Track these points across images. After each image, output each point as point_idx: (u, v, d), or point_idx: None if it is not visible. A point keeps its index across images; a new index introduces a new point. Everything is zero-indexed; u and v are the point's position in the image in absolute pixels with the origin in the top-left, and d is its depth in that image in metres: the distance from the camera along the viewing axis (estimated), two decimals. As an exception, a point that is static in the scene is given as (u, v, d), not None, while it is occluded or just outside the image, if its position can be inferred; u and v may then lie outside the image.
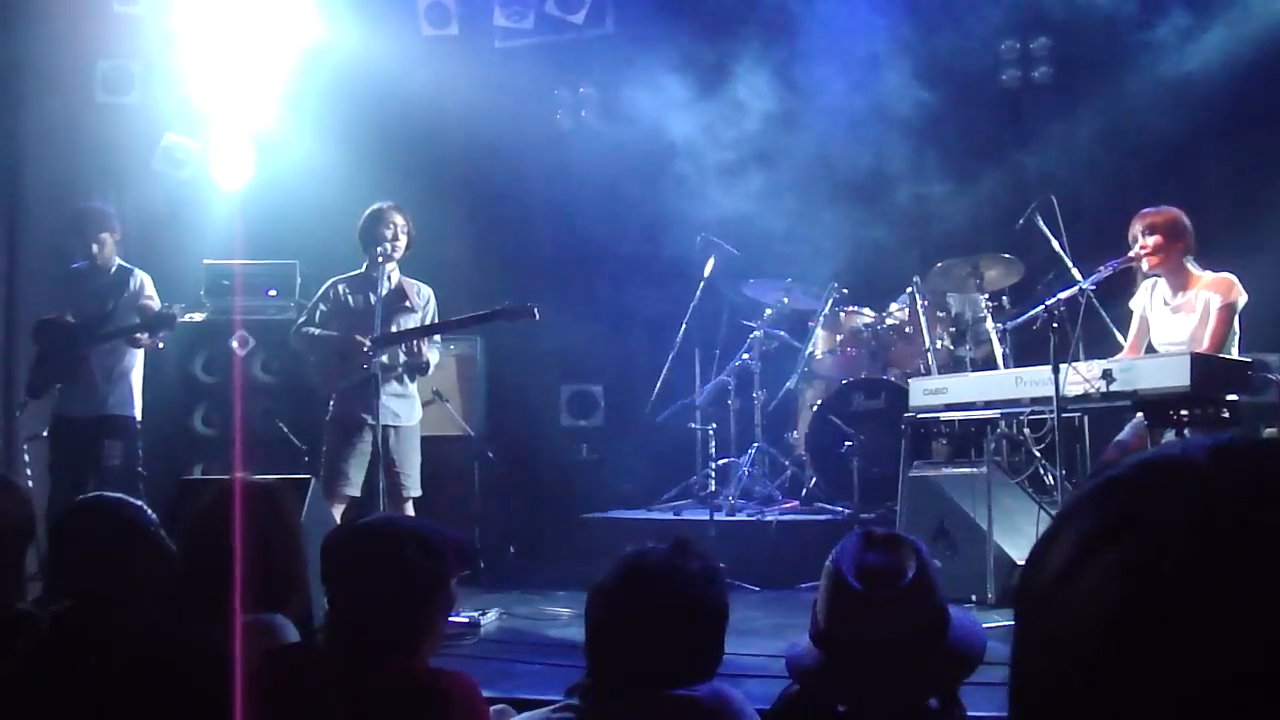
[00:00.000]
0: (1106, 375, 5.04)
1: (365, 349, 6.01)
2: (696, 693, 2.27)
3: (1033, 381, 5.35)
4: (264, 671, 2.52)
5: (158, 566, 2.95)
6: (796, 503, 7.61)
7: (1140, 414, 5.18)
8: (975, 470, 6.03)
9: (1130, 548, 0.68)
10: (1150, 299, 5.84)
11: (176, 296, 7.11)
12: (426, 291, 6.47)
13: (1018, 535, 5.70)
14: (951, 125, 8.55)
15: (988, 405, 5.64)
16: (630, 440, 8.68)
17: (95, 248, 6.96)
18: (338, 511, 5.96)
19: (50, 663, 2.59)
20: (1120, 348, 5.93)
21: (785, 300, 8.04)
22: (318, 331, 6.32)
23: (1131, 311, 5.95)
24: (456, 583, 2.68)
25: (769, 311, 8.05)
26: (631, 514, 7.93)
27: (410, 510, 6.14)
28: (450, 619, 2.84)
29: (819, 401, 7.58)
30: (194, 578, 2.89)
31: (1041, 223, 6.23)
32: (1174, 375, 4.85)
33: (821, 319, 7.83)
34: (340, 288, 6.38)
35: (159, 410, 7.65)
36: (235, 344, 8.08)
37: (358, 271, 6.38)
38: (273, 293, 8.37)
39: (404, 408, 6.30)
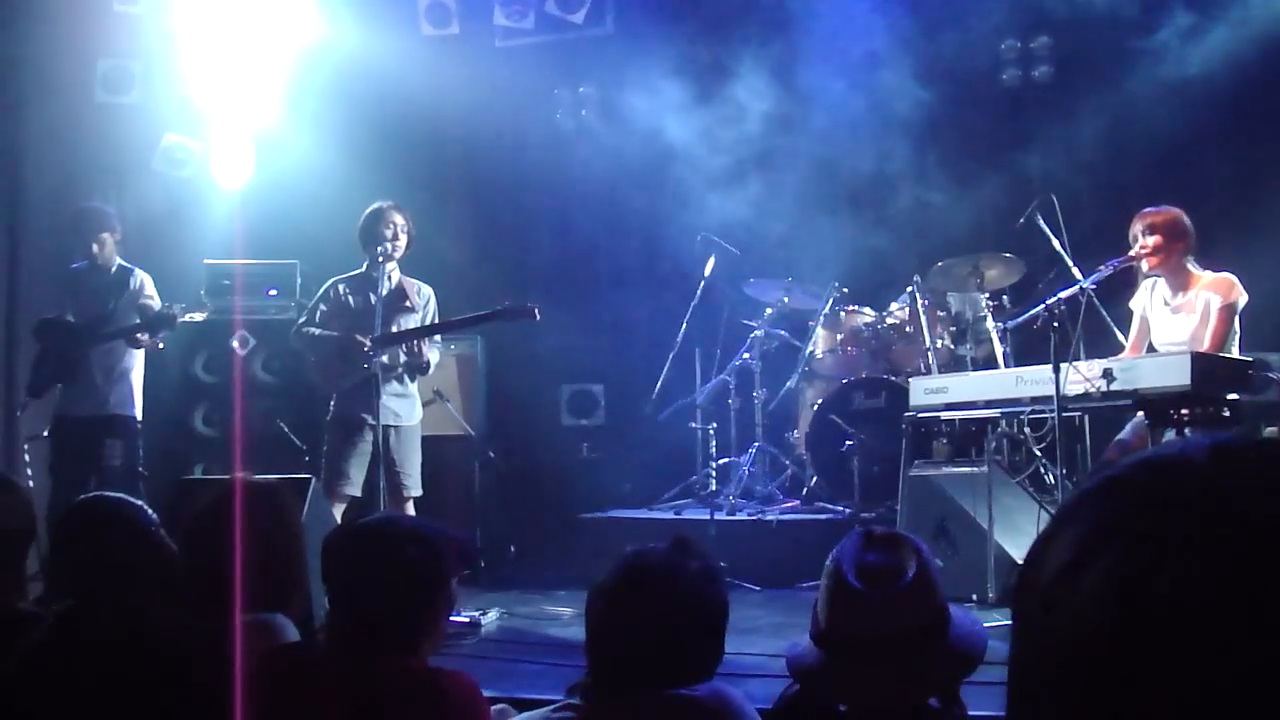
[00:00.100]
0: (1107, 374, 5.04)
1: (366, 349, 6.01)
2: (697, 692, 2.27)
3: (1033, 381, 5.35)
4: (264, 671, 2.52)
5: (158, 566, 2.95)
6: (797, 502, 7.61)
7: (1141, 413, 5.18)
8: (976, 469, 6.02)
9: (1130, 549, 0.67)
10: (1150, 299, 5.83)
11: (177, 296, 7.11)
12: (427, 291, 6.47)
13: (1018, 534, 5.70)
14: (952, 125, 8.55)
15: (988, 404, 5.64)
16: (631, 440, 8.68)
17: (95, 247, 6.96)
18: (338, 511, 5.96)
19: (51, 662, 2.59)
20: (1121, 347, 5.93)
21: (786, 299, 8.04)
22: (318, 331, 6.32)
23: (1132, 312, 5.95)
24: (457, 582, 2.68)
25: (769, 311, 8.05)
26: (632, 513, 7.93)
27: (411, 510, 6.14)
28: (451, 618, 2.84)
29: (819, 401, 7.58)
30: (195, 577, 2.89)
31: (1042, 222, 6.23)
32: (1175, 374, 4.84)
33: (822, 318, 7.83)
34: (340, 287, 6.38)
35: (160, 410, 7.66)
36: (236, 344, 8.09)
37: (358, 271, 6.38)
38: (273, 292, 8.38)
39: (404, 407, 6.30)
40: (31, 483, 6.93)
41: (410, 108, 8.58)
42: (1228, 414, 5.03)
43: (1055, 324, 5.15)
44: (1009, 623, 0.78)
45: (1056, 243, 6.20)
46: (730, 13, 8.90)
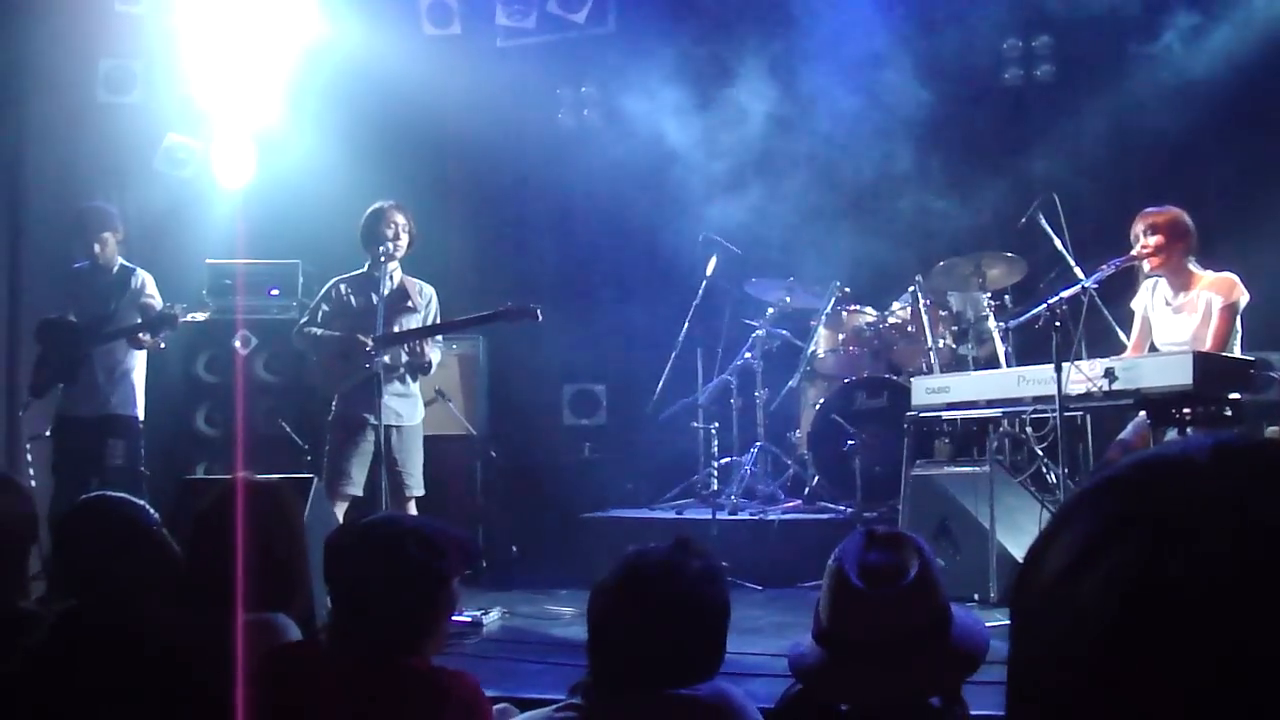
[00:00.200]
0: (1109, 374, 5.03)
1: (368, 349, 6.02)
2: (698, 692, 2.27)
3: (1035, 380, 5.34)
4: (266, 670, 2.53)
5: (160, 566, 2.96)
6: (799, 502, 7.61)
7: (1143, 413, 5.18)
8: (978, 469, 6.02)
9: (1132, 549, 0.67)
10: (1151, 299, 5.83)
11: (179, 296, 7.12)
12: (429, 291, 6.47)
13: (1020, 534, 5.70)
14: (954, 124, 8.54)
15: (990, 404, 5.63)
16: (632, 439, 8.68)
17: (97, 247, 6.97)
18: (340, 511, 5.96)
19: (54, 662, 2.59)
20: (1123, 347, 5.93)
21: (787, 299, 8.04)
22: (320, 331, 6.32)
23: (1133, 312, 5.94)
24: (459, 582, 2.68)
25: (771, 310, 8.05)
26: (634, 513, 7.92)
27: (413, 509, 6.14)
28: (453, 618, 2.84)
29: (821, 400, 7.58)
30: (197, 577, 2.90)
31: (1044, 221, 6.23)
32: (1177, 374, 4.84)
33: (824, 318, 7.83)
34: (342, 287, 6.38)
35: (162, 410, 7.66)
36: (238, 343, 8.09)
37: (360, 271, 6.38)
38: (275, 292, 8.38)
39: (406, 407, 6.30)
40: (34, 482, 6.93)
41: (412, 107, 8.58)
42: (1229, 413, 5.02)
43: (1057, 323, 5.15)
44: (1010, 613, 0.78)
45: (1058, 242, 6.20)
46: (732, 12, 8.90)
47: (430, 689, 2.47)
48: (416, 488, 6.26)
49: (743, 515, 7.38)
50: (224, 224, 8.23)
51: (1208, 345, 5.42)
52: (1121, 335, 6.03)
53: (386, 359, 6.07)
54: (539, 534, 8.15)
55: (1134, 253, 5.66)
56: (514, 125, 9.12)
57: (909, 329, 7.59)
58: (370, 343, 6.02)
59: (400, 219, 6.29)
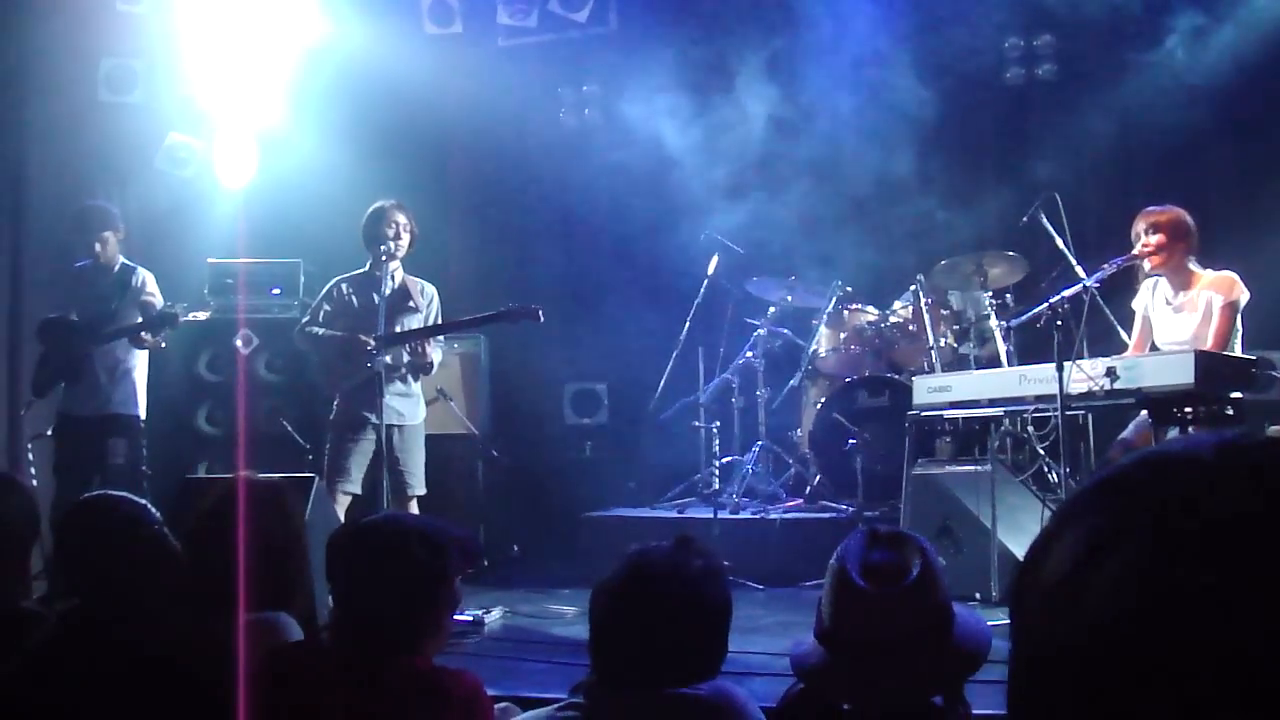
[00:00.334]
0: (1110, 373, 5.03)
1: (369, 348, 6.02)
2: (700, 691, 2.27)
3: (1037, 379, 5.34)
4: (268, 669, 2.53)
5: (162, 565, 2.96)
6: (800, 501, 7.61)
7: (1144, 412, 5.18)
8: (979, 468, 6.02)
9: (1139, 549, 0.67)
10: (1152, 299, 5.83)
11: (180, 295, 7.12)
12: (430, 290, 6.48)
13: (1022, 533, 5.69)
14: (955, 123, 8.54)
15: (992, 403, 5.63)
16: (634, 438, 8.68)
17: (98, 246, 6.96)
18: (341, 509, 5.97)
19: (55, 661, 2.59)
20: (1124, 346, 5.92)
21: (789, 298, 8.04)
22: (322, 331, 6.32)
23: (1134, 311, 5.94)
24: (460, 581, 2.68)
25: (773, 309, 8.05)
26: (635, 512, 7.92)
27: (414, 509, 6.15)
28: (454, 617, 2.84)
29: (823, 399, 7.58)
30: (198, 576, 2.90)
31: (1045, 220, 6.23)
32: (1178, 373, 4.84)
33: (825, 317, 7.83)
34: (344, 287, 6.38)
35: (163, 409, 7.66)
36: (239, 342, 8.09)
37: (361, 270, 6.38)
38: (276, 291, 8.38)
39: (408, 407, 6.30)
40: (35, 482, 6.94)
41: (413, 106, 8.59)
42: (1231, 412, 5.02)
43: (1058, 322, 5.15)
44: (1009, 614, 0.77)
45: (1060, 241, 6.20)
46: (733, 12, 8.89)
47: (432, 688, 2.47)
48: (418, 487, 6.26)
49: (744, 514, 7.38)
50: (225, 223, 8.23)
51: (1209, 344, 5.42)
52: (1123, 334, 6.03)
53: (388, 359, 6.07)
54: (540, 533, 8.15)
55: (1135, 252, 5.65)
56: (515, 124, 9.13)
57: (910, 328, 7.59)
58: (372, 342, 6.02)
59: (401, 218, 6.29)
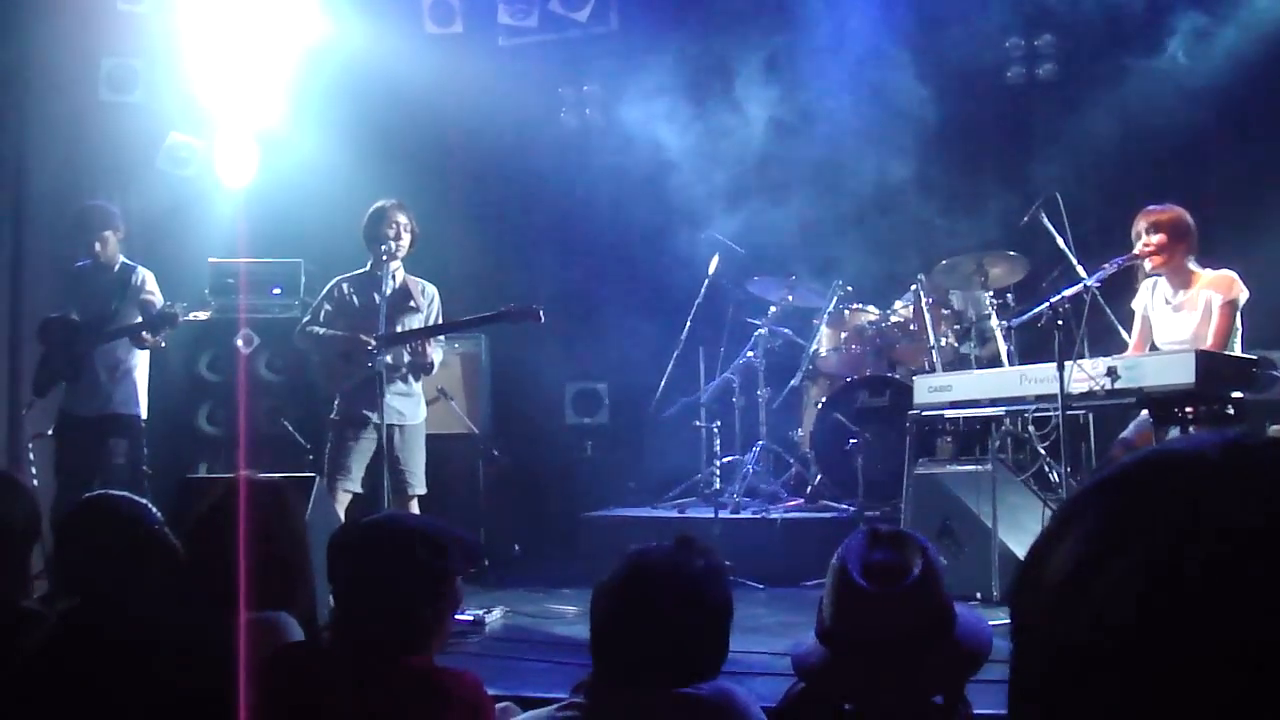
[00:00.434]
0: (1111, 373, 5.03)
1: (370, 348, 6.02)
2: (701, 690, 2.27)
3: (1037, 379, 5.34)
4: (269, 669, 2.53)
5: (163, 565, 2.96)
6: (801, 500, 7.61)
7: (1145, 411, 5.17)
8: (980, 468, 6.02)
9: (1145, 550, 0.66)
10: (1151, 298, 5.83)
11: (181, 295, 7.12)
12: (431, 290, 6.48)
13: (1022, 533, 5.69)
14: (956, 123, 8.53)
15: (992, 403, 5.63)
16: (635, 438, 8.68)
17: (98, 246, 6.96)
18: (340, 506, 5.97)
19: (56, 661, 2.59)
20: (1125, 345, 5.92)
21: (790, 298, 8.04)
22: (322, 331, 6.32)
23: (1133, 311, 5.94)
24: (461, 581, 2.68)
25: (773, 309, 8.05)
26: (636, 512, 7.93)
27: (415, 508, 6.15)
28: (455, 617, 2.84)
29: (824, 399, 7.58)
30: (199, 576, 2.90)
31: (1046, 220, 6.23)
32: (1179, 372, 4.84)
33: (826, 316, 7.83)
34: (345, 286, 6.39)
35: (164, 409, 7.66)
36: (240, 342, 8.09)
37: (362, 270, 6.38)
38: (277, 291, 8.38)
39: (409, 406, 6.31)
40: (36, 481, 6.94)
41: (414, 106, 8.59)
42: (1232, 412, 5.02)
43: (1059, 322, 5.15)
44: (1009, 616, 0.77)
45: (1060, 241, 6.20)
46: (734, 11, 8.88)
47: (433, 688, 2.47)
48: (419, 487, 6.26)
49: (745, 514, 7.38)
50: (226, 223, 8.23)
51: (1208, 343, 5.42)
52: (1124, 334, 6.02)
53: (389, 359, 6.08)
54: (541, 533, 8.15)
55: (1136, 251, 5.65)
56: (516, 124, 9.12)
57: (911, 328, 7.59)
58: (373, 342, 6.02)
59: (402, 218, 6.29)
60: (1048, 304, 5.35)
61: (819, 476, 7.54)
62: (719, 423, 7.89)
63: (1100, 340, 6.06)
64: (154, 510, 3.15)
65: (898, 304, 7.73)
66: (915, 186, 8.26)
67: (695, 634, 2.33)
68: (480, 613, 5.79)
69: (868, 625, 2.15)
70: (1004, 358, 6.70)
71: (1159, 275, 5.76)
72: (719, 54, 8.66)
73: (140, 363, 6.99)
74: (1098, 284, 5.59)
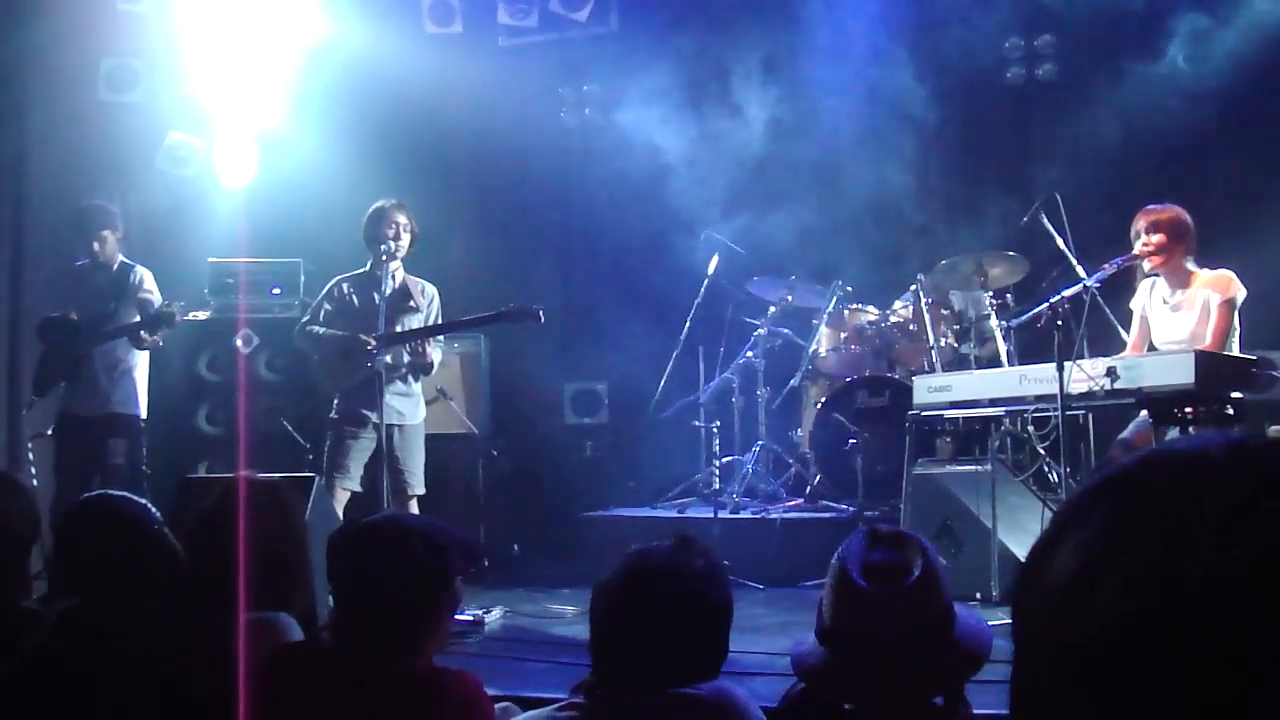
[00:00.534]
0: (1111, 373, 5.03)
1: (370, 348, 6.02)
2: (701, 690, 2.27)
3: (1037, 379, 5.34)
4: (268, 669, 2.52)
5: (162, 565, 2.96)
6: (801, 500, 7.61)
7: (1145, 412, 5.17)
8: (980, 468, 6.02)
9: (1149, 552, 0.66)
10: (1150, 298, 5.83)
11: (181, 294, 7.12)
12: (431, 290, 6.48)
13: (1022, 533, 5.70)
14: (956, 123, 8.54)
15: (992, 403, 5.63)
16: (634, 438, 8.68)
17: (96, 245, 6.97)
18: (338, 504, 5.97)
19: (55, 661, 2.59)
20: (1124, 345, 5.92)
21: (789, 298, 8.03)
22: (322, 330, 6.33)
23: (1132, 311, 5.94)
24: (461, 581, 2.67)
25: (773, 309, 8.04)
26: (635, 512, 7.93)
27: (414, 508, 6.15)
28: (455, 617, 2.84)
29: (823, 399, 7.58)
30: (198, 576, 2.89)
31: (1045, 220, 6.23)
32: (1179, 373, 4.84)
33: (826, 316, 7.83)
34: (344, 286, 6.39)
35: (163, 408, 7.66)
36: (239, 342, 8.08)
37: (362, 270, 6.39)
38: (277, 290, 8.38)
39: (408, 406, 6.31)
40: (35, 481, 6.93)
41: (414, 106, 8.59)
42: (1231, 412, 5.02)
43: (1059, 322, 5.15)
44: (1011, 619, 0.77)
45: (1060, 241, 6.19)
46: (734, 12, 8.89)
47: (432, 688, 2.46)
48: (418, 486, 6.27)
49: (745, 514, 7.38)
50: (226, 222, 8.22)
51: (1206, 342, 5.42)
52: (1123, 334, 6.03)
53: (388, 358, 6.08)
54: (541, 533, 8.16)
55: (1136, 251, 5.65)
56: (516, 124, 9.12)
57: (911, 328, 7.59)
58: (372, 342, 6.02)
59: (402, 218, 6.29)
60: (1047, 304, 5.35)
61: (818, 477, 7.54)
62: (718, 423, 7.89)
63: (1100, 340, 6.06)
64: (153, 510, 3.15)
65: (897, 304, 7.73)
66: (915, 187, 8.26)
67: (695, 634, 2.33)
68: (480, 613, 5.79)
69: (868, 625, 2.15)
70: (1003, 358, 6.70)
71: (1157, 275, 5.76)
72: (719, 54, 8.65)
73: (140, 362, 7.00)
74: (1097, 284, 5.59)
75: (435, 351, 6.31)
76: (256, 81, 8.28)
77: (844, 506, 7.21)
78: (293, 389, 8.23)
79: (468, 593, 3.33)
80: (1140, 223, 5.68)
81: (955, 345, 7.35)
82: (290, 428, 7.96)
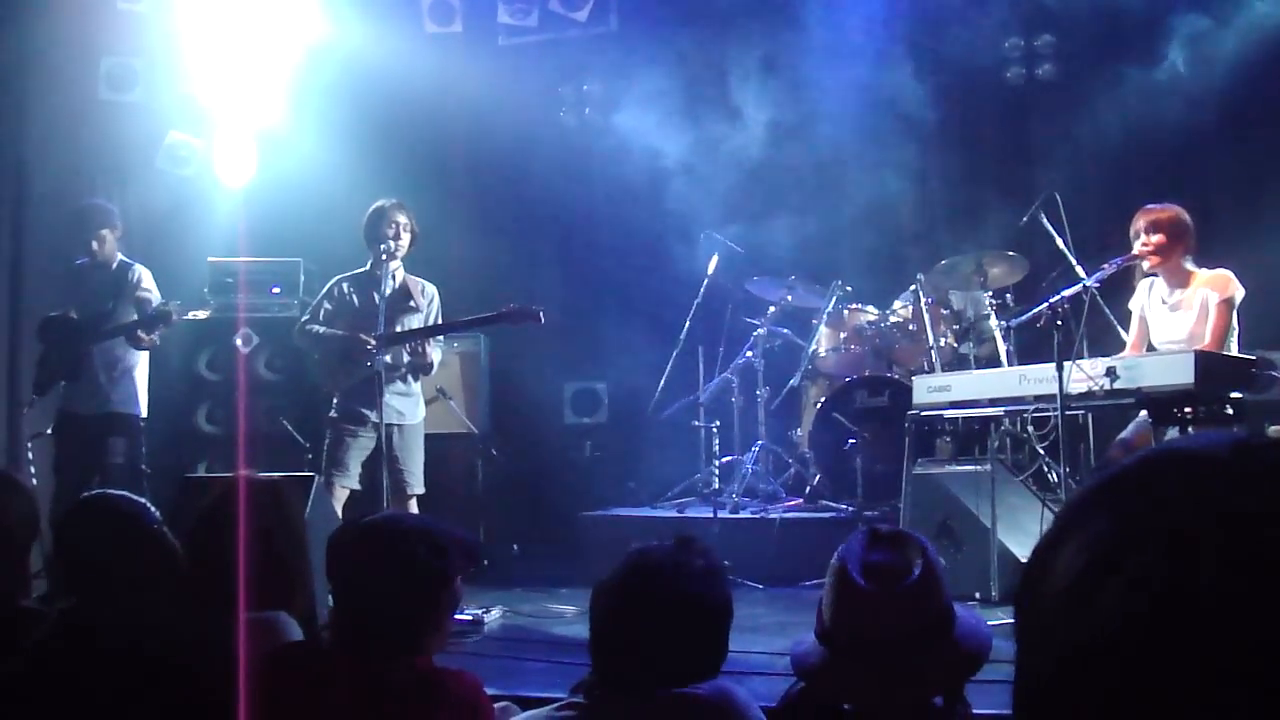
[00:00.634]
0: (1110, 373, 5.03)
1: (369, 348, 6.02)
2: (700, 690, 2.27)
3: (1036, 379, 5.34)
4: (268, 669, 2.52)
5: (162, 564, 2.96)
6: (800, 500, 7.61)
7: (1144, 412, 5.17)
8: (979, 468, 6.02)
9: (1155, 553, 0.65)
10: (1148, 298, 5.83)
11: (180, 294, 7.12)
12: (431, 290, 6.48)
13: (1022, 533, 5.70)
14: (955, 123, 8.54)
15: (992, 403, 5.63)
16: (634, 438, 8.67)
17: (95, 245, 6.97)
18: (337, 503, 5.97)
19: (55, 660, 2.59)
20: (1124, 345, 5.92)
21: (789, 298, 8.03)
22: (322, 330, 6.33)
23: (1131, 311, 5.94)
24: (461, 580, 2.67)
25: (773, 309, 8.04)
26: (635, 512, 7.93)
27: (414, 508, 6.15)
28: (454, 617, 2.84)
29: (823, 399, 7.58)
30: (198, 575, 2.89)
31: (1045, 220, 6.22)
32: (1178, 373, 4.83)
33: (825, 316, 7.82)
34: (344, 286, 6.39)
35: (163, 408, 7.65)
36: (239, 341, 8.08)
37: (362, 269, 6.38)
38: (277, 290, 8.38)
39: (408, 406, 6.31)
40: (35, 480, 6.93)
41: (414, 105, 8.59)
42: (1231, 413, 5.02)
43: (1058, 322, 5.14)
44: (1014, 621, 0.77)
45: (1060, 241, 6.19)
46: (734, 11, 8.88)
47: (432, 688, 2.46)
48: (417, 486, 6.27)
49: (744, 514, 7.38)
50: (226, 222, 8.22)
51: (1205, 342, 5.42)
52: (1123, 334, 6.03)
53: (388, 358, 6.08)
54: (540, 532, 8.15)
55: (1135, 250, 5.65)
56: (516, 123, 9.12)
57: (910, 328, 7.59)
58: (372, 342, 6.02)
59: (402, 218, 6.29)
60: (1047, 304, 5.35)
61: (818, 476, 7.54)
62: (718, 423, 7.89)
63: (1099, 340, 6.06)
64: (153, 509, 3.15)
65: (897, 304, 7.73)
66: (915, 187, 8.26)
67: (694, 634, 2.33)
68: (479, 612, 5.79)
69: (867, 625, 2.15)
70: (1003, 358, 6.69)
71: (1156, 275, 5.76)
72: (718, 54, 8.65)
73: (140, 362, 7.00)
74: (1097, 284, 5.59)
75: (435, 351, 6.31)
76: (256, 81, 8.27)
77: (843, 506, 7.21)
78: (292, 388, 8.23)
79: (467, 592, 3.33)
80: (1139, 222, 5.68)
81: (955, 345, 7.35)
82: (290, 427, 7.95)
